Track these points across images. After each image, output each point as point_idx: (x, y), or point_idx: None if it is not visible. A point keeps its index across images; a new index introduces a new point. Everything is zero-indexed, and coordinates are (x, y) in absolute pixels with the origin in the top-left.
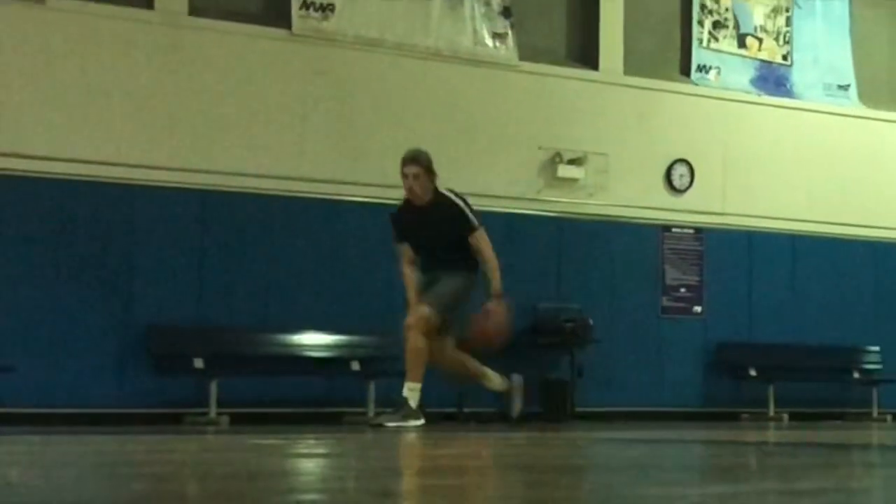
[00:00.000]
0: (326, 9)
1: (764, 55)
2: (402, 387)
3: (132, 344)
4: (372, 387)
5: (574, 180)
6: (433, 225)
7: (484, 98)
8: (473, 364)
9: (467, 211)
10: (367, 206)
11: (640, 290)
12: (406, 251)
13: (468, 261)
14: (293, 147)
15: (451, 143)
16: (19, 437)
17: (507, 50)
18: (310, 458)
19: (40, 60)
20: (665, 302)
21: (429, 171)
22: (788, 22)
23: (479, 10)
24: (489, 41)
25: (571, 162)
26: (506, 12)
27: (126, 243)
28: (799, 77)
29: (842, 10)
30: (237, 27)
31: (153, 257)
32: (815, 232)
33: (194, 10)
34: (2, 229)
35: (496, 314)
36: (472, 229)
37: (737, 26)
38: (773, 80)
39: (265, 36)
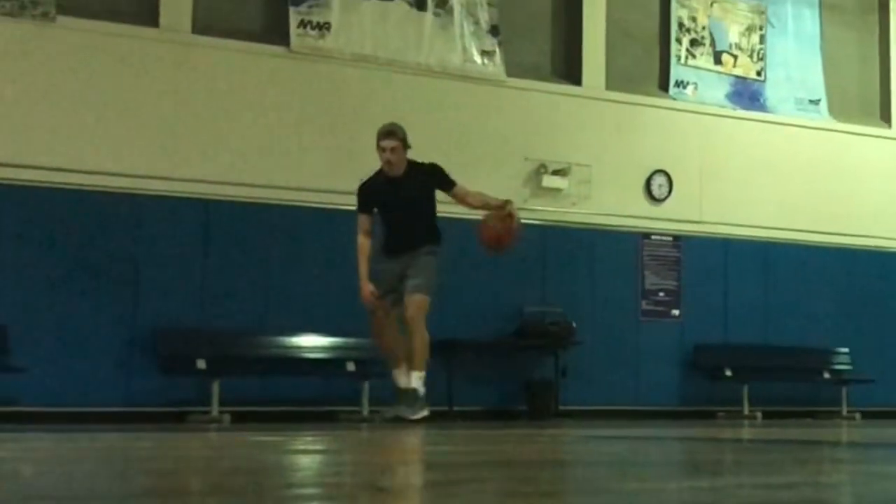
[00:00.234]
0: (323, 27)
1: (739, 71)
2: (389, 378)
3: (139, 346)
4: (366, 386)
5: (558, 190)
6: (409, 192)
7: (473, 112)
8: (403, 349)
9: (444, 169)
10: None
11: (620, 295)
12: (365, 222)
13: (435, 232)
14: (291, 158)
15: (442, 155)
16: (32, 435)
17: (494, 66)
18: (307, 455)
19: (51, 76)
20: (645, 306)
21: (405, 144)
22: (762, 40)
23: (469, 28)
24: (478, 58)
25: (556, 172)
26: (493, 31)
27: (133, 250)
28: (772, 92)
29: (813, 29)
30: (238, 44)
31: (158, 264)
32: (787, 239)
33: (197, 29)
34: (15, 237)
35: (511, 216)
36: (453, 183)
37: (713, 44)
38: (747, 95)
39: (265, 53)
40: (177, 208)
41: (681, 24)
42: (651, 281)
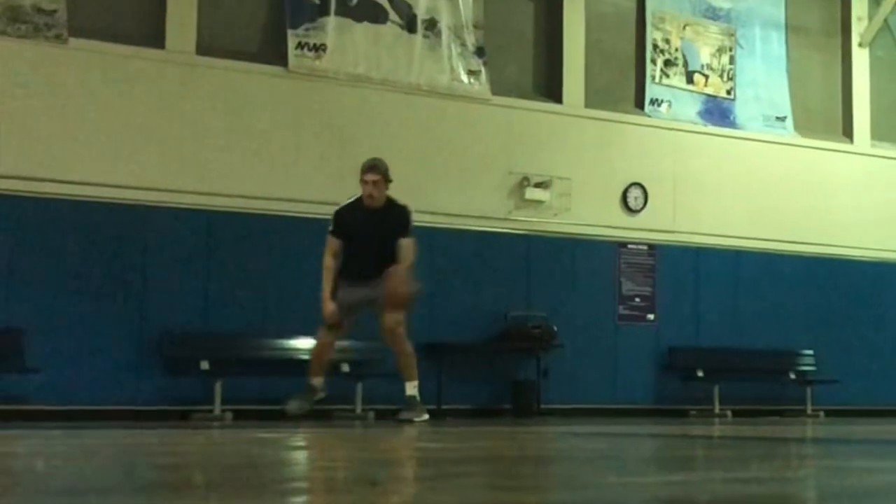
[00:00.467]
0: (319, 49)
1: (710, 90)
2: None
3: (146, 348)
4: (359, 387)
5: (540, 202)
6: (382, 225)
7: (460, 128)
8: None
9: (412, 218)
10: None
11: (599, 300)
12: (335, 245)
13: (395, 261)
14: (289, 172)
15: (431, 169)
16: (46, 432)
17: (480, 85)
18: (304, 450)
19: (64, 94)
20: (621, 310)
21: (386, 179)
22: (732, 60)
23: (456, 50)
24: (464, 78)
25: (538, 185)
26: (479, 52)
27: (140, 258)
28: (741, 110)
29: (779, 51)
30: (239, 65)
31: (164, 271)
32: (755, 248)
33: (201, 50)
34: (30, 245)
35: (399, 275)
36: (410, 233)
37: (685, 64)
38: (718, 112)
39: (264, 73)
40: (181, 219)
41: (655, 46)
42: (627, 287)
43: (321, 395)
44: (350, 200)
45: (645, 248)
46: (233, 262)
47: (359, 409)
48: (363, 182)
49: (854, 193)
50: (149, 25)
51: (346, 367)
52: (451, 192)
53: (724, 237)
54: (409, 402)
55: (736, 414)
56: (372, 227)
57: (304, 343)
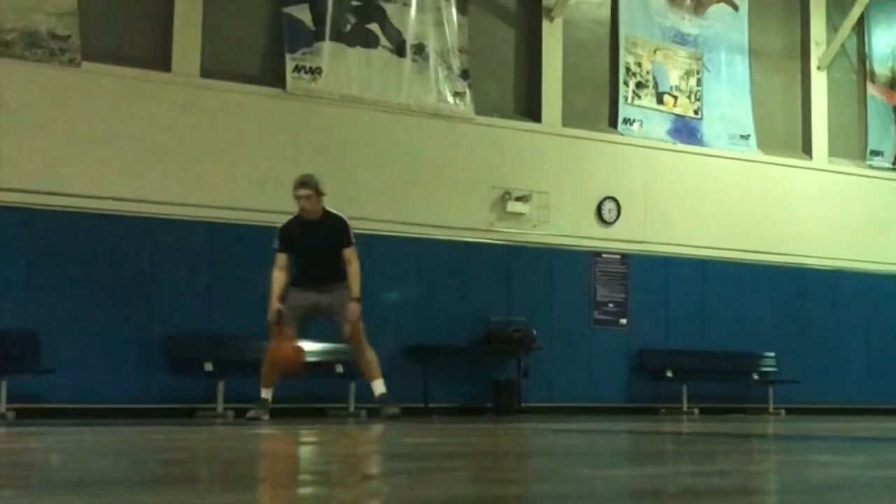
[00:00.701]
0: (315, 72)
1: (678, 110)
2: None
3: (153, 350)
4: (353, 386)
5: (521, 214)
6: (321, 235)
7: (446, 146)
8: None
9: (350, 228)
10: None
11: (575, 306)
12: (282, 259)
13: (342, 271)
14: (287, 186)
15: (419, 183)
16: (60, 428)
17: (465, 106)
18: (301, 446)
19: (77, 114)
20: (596, 315)
21: (318, 192)
22: (699, 83)
23: (442, 73)
24: (450, 98)
25: (518, 199)
26: (464, 74)
27: (148, 267)
28: (708, 128)
29: (743, 74)
30: (240, 87)
31: (170, 278)
32: (721, 257)
33: (205, 73)
34: (45, 255)
35: (353, 313)
36: (350, 243)
37: (656, 86)
38: (686, 131)
39: (264, 94)
40: (186, 230)
41: (628, 69)
42: (601, 294)
43: (267, 414)
44: (291, 217)
45: (618, 257)
46: (234, 270)
47: (352, 408)
48: (296, 198)
49: (813, 206)
50: (156, 50)
51: (339, 368)
52: (437, 205)
53: (692, 247)
54: (384, 399)
55: (703, 412)
56: (312, 237)
57: (301, 345)
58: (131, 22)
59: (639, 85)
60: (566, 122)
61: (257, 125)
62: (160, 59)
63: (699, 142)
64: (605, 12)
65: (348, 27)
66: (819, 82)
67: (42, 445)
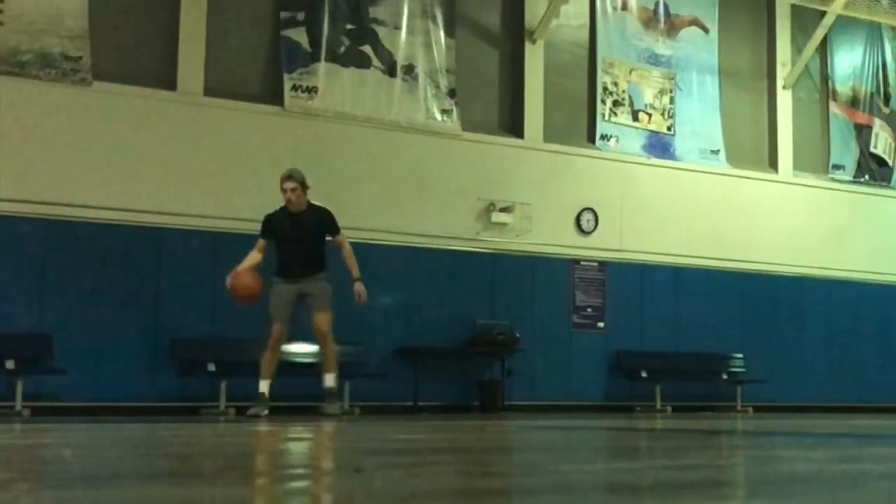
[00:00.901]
0: (311, 91)
1: (652, 127)
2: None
3: (159, 352)
4: (346, 386)
5: (504, 224)
6: (306, 226)
7: (434, 160)
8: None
9: (335, 217)
10: None
11: (555, 310)
12: (260, 244)
13: (323, 261)
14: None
15: (409, 195)
16: (72, 425)
17: (452, 123)
18: (298, 442)
19: (88, 131)
20: (575, 319)
21: (303, 186)
22: (672, 101)
23: (431, 91)
24: (438, 116)
25: (502, 210)
26: (451, 93)
27: (155, 273)
28: (680, 144)
29: (713, 93)
30: (241, 105)
31: (176, 284)
32: (693, 264)
33: (208, 92)
34: (59, 262)
35: (361, 294)
36: (339, 230)
37: (631, 104)
38: (659, 146)
39: (263, 112)
40: (191, 239)
41: (605, 88)
42: (580, 299)
43: (267, 409)
44: (278, 208)
45: (596, 264)
46: None
47: (346, 406)
48: (283, 190)
49: (778, 217)
50: (162, 70)
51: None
52: (426, 216)
53: (666, 255)
54: (330, 393)
55: (675, 409)
56: (297, 228)
57: (298, 348)
58: (139, 44)
59: (615, 103)
60: (547, 138)
61: (257, 140)
62: (166, 79)
63: (672, 156)
64: (584, 35)
65: (342, 49)
66: (784, 100)
67: (56, 441)
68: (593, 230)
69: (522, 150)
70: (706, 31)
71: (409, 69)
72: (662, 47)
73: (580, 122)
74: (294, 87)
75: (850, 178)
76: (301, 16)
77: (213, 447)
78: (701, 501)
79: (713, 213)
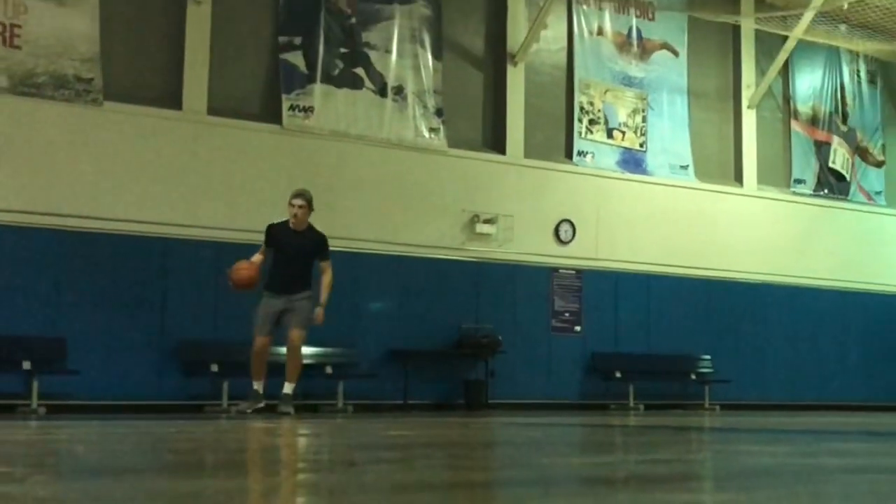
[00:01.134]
0: (308, 110)
1: (626, 144)
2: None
3: (166, 354)
4: (341, 386)
5: (488, 235)
6: (303, 244)
7: (422, 175)
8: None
9: (328, 244)
10: (334, 253)
11: (535, 315)
12: (264, 252)
13: (310, 280)
14: (283, 209)
15: (399, 207)
16: (84, 422)
17: (439, 140)
18: (296, 437)
19: (99, 148)
20: (554, 323)
21: (310, 206)
22: (644, 119)
23: (419, 111)
24: (426, 133)
25: (486, 221)
26: (438, 112)
27: (161, 280)
28: (651, 160)
29: (682, 112)
30: (242, 123)
31: (181, 290)
32: (663, 272)
33: (211, 111)
34: (71, 270)
35: (320, 316)
36: (328, 257)
37: (606, 123)
38: (632, 162)
39: (263, 130)
40: (195, 248)
41: (582, 108)
42: (559, 304)
43: (262, 403)
44: (280, 221)
45: (573, 272)
46: None
47: (340, 404)
48: (290, 205)
49: (743, 228)
50: (168, 91)
51: (329, 370)
52: (415, 227)
53: (638, 263)
54: (285, 398)
55: (647, 407)
56: (294, 244)
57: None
58: (146, 67)
59: (591, 121)
60: (528, 154)
61: (257, 157)
62: (172, 99)
63: (644, 171)
64: (562, 58)
65: (337, 71)
66: (749, 119)
67: (69, 437)
68: (571, 240)
69: (505, 165)
70: (676, 54)
71: (399, 90)
72: (635, 70)
73: (559, 140)
74: (292, 107)
75: (811, 192)
76: (298, 40)
77: (215, 443)
78: (671, 493)
79: (682, 225)
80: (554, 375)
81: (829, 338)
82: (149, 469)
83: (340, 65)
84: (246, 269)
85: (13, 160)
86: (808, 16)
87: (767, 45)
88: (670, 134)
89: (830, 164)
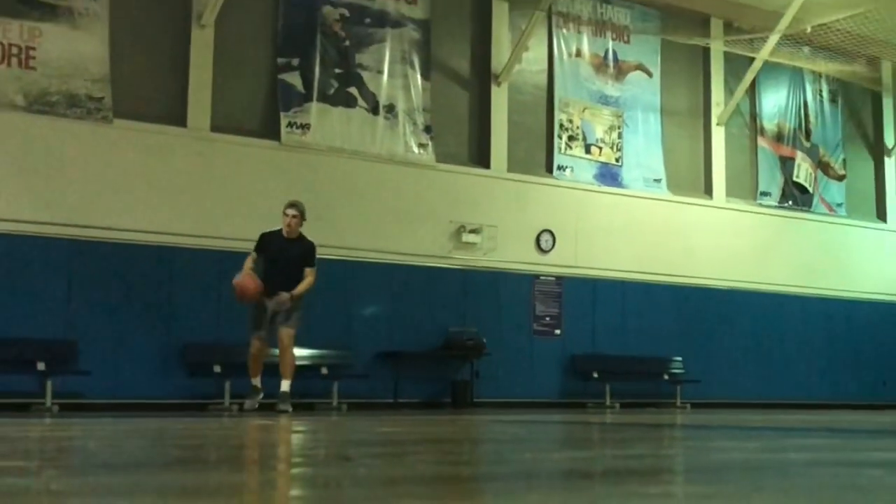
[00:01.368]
0: (304, 127)
1: (603, 158)
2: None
3: (172, 355)
4: (335, 385)
5: (473, 244)
6: (293, 252)
7: (412, 187)
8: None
9: (316, 252)
10: (330, 261)
11: (518, 319)
12: (253, 255)
13: (300, 282)
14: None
15: (390, 218)
16: (95, 420)
17: (427, 155)
18: (293, 434)
19: (109, 163)
20: (535, 327)
21: (302, 216)
22: (619, 136)
23: (409, 128)
24: (416, 149)
25: (472, 231)
26: (427, 129)
27: (167, 286)
28: (627, 174)
29: (656, 129)
30: (243, 139)
31: (186, 296)
32: (638, 279)
33: (214, 128)
34: (83, 277)
35: (283, 300)
36: (314, 264)
37: (584, 139)
38: (609, 175)
39: (263, 146)
40: (198, 256)
41: (561, 125)
42: (540, 309)
43: (262, 394)
44: (274, 229)
45: (553, 279)
46: None
47: (335, 403)
48: (285, 215)
49: (712, 237)
50: (174, 109)
51: (324, 370)
52: (405, 236)
53: (614, 271)
54: (283, 396)
55: (623, 406)
56: (285, 252)
57: (294, 351)
58: (153, 86)
59: (570, 138)
60: (511, 168)
61: (257, 171)
62: (177, 117)
63: (620, 185)
64: (543, 78)
65: (332, 91)
66: (718, 136)
67: (81, 434)
68: (551, 249)
69: (489, 178)
70: (650, 75)
71: (391, 108)
72: (611, 89)
73: (540, 155)
74: (289, 124)
75: (776, 204)
76: (295, 62)
77: (218, 439)
78: (645, 486)
79: (656, 235)
80: (535, 376)
81: (793, 340)
82: (156, 463)
83: (335, 85)
84: (252, 288)
85: (29, 174)
86: (774, 39)
87: (735, 66)
88: (644, 149)
89: (794, 178)
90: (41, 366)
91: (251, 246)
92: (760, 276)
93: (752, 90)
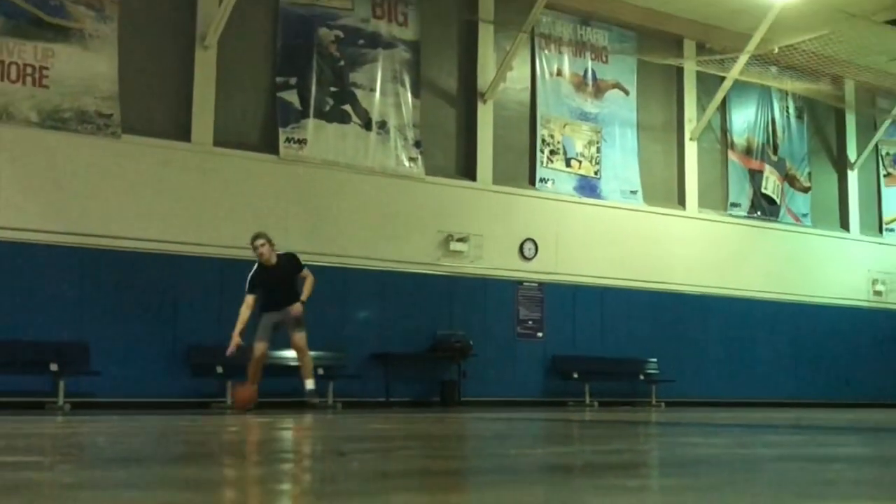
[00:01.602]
0: (301, 142)
1: (582, 171)
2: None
3: (177, 357)
4: (331, 385)
5: (461, 252)
6: (281, 273)
7: (402, 199)
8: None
9: (298, 257)
10: (326, 268)
11: (503, 322)
12: (250, 300)
13: (297, 293)
14: (280, 229)
15: (381, 228)
16: (104, 418)
17: (417, 168)
18: (290, 431)
19: (118, 175)
20: (519, 330)
21: (269, 242)
22: (598, 150)
23: (400, 142)
24: (406, 162)
25: (459, 240)
26: (417, 144)
27: (172, 292)
28: (605, 186)
29: (632, 143)
30: (244, 153)
31: (189, 301)
32: (616, 286)
33: (217, 143)
34: (94, 283)
35: (297, 309)
36: (303, 266)
37: (565, 153)
38: (588, 187)
39: (262, 160)
40: (201, 264)
41: (543, 140)
42: (523, 313)
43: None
44: (256, 267)
45: (536, 285)
46: (239, 295)
47: (330, 402)
48: (254, 248)
49: (686, 246)
50: (179, 125)
51: (320, 371)
52: (396, 245)
53: (593, 278)
54: (311, 393)
55: (601, 404)
56: (273, 278)
57: (292, 353)
58: (160, 103)
59: (552, 152)
60: (496, 181)
61: (257, 183)
62: (182, 132)
63: (598, 196)
64: (526, 96)
65: (327, 108)
66: (691, 150)
67: (91, 430)
68: (534, 257)
69: (475, 190)
70: (627, 93)
71: (382, 124)
72: (590, 106)
73: (523, 168)
74: (287, 140)
75: (745, 214)
76: (293, 80)
77: (221, 435)
78: (623, 479)
79: (632, 243)
80: (519, 376)
81: (762, 342)
82: (161, 458)
83: (331, 102)
84: (249, 398)
85: (42, 186)
86: (743, 59)
87: (707, 84)
88: (621, 163)
89: (763, 190)
90: (54, 367)
91: (251, 254)
92: (731, 283)
93: (723, 107)
